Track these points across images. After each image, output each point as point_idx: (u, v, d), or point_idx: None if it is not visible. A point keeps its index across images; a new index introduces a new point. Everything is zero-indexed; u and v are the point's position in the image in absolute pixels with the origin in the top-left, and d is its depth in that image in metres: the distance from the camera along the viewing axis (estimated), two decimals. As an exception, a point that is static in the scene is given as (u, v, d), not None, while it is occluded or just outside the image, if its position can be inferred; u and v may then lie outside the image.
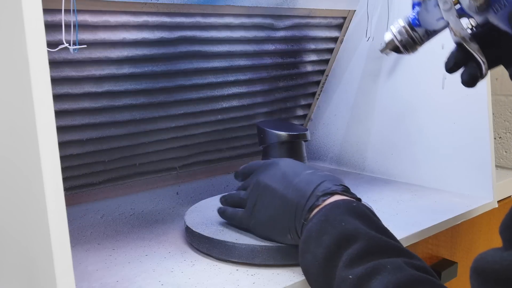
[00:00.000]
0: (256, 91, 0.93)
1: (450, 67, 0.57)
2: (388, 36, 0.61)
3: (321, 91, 1.07)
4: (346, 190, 0.57)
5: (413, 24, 0.59)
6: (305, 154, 0.84)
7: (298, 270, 0.58)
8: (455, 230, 0.84)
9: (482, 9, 0.53)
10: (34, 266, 0.43)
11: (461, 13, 0.55)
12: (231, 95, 0.89)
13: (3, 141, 0.45)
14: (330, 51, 1.02)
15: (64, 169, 0.74)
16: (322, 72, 1.04)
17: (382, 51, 0.62)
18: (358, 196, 0.58)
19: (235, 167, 1.00)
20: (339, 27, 1.00)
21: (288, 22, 0.89)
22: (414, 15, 0.59)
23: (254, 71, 0.91)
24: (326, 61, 1.03)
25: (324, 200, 0.55)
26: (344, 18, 0.98)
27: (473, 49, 0.55)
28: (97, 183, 0.81)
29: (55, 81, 0.67)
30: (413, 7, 0.60)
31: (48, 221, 0.39)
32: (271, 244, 0.60)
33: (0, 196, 0.47)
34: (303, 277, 0.56)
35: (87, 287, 0.55)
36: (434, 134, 0.90)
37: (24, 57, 0.38)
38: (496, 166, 1.11)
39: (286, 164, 0.63)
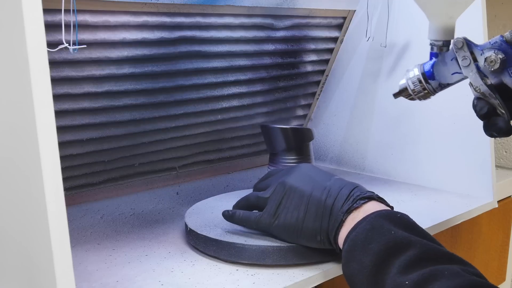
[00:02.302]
0: (256, 91, 0.93)
1: (484, 114, 0.58)
2: (402, 83, 0.62)
3: (321, 91, 1.07)
4: (380, 197, 0.58)
5: (427, 76, 0.60)
6: (312, 154, 0.84)
7: (299, 270, 0.58)
8: (455, 230, 0.84)
9: (496, 72, 0.55)
10: (34, 266, 0.43)
11: (478, 71, 0.57)
12: (231, 95, 0.89)
13: (3, 141, 0.45)
14: (330, 51, 1.02)
15: (64, 169, 0.74)
16: (322, 72, 1.04)
17: (395, 96, 0.64)
18: None
19: (235, 167, 1.00)
20: (339, 27, 1.00)
21: (288, 22, 0.89)
22: (429, 67, 0.60)
23: (254, 71, 0.91)
24: (326, 61, 1.03)
25: (362, 204, 0.55)
26: (344, 18, 0.98)
27: (495, 103, 0.56)
28: (97, 183, 0.81)
29: (55, 81, 0.67)
30: (430, 58, 0.61)
31: (48, 221, 0.39)
32: (282, 244, 0.59)
33: (0, 196, 0.47)
34: (303, 277, 0.57)
35: (87, 287, 0.55)
36: (434, 134, 0.90)
37: (24, 57, 0.38)
38: (496, 166, 1.12)
39: (311, 168, 0.62)
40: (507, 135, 0.58)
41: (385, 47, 0.95)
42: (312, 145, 0.83)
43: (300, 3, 0.87)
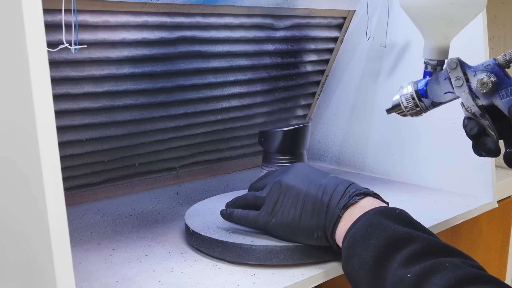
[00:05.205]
0: (256, 91, 0.93)
1: (474, 134, 0.59)
2: (396, 99, 0.64)
3: (321, 91, 1.07)
4: (375, 194, 0.58)
5: (420, 94, 0.62)
6: (305, 156, 0.84)
7: (299, 270, 0.58)
8: (455, 230, 0.84)
9: (488, 94, 0.57)
10: (34, 266, 0.43)
11: (470, 91, 0.58)
12: (231, 95, 0.89)
13: (3, 141, 0.45)
14: (330, 51, 1.02)
15: (64, 169, 0.74)
16: (322, 72, 1.04)
17: (388, 112, 0.65)
18: None
19: (235, 167, 1.00)
20: (339, 27, 1.00)
21: (288, 22, 0.89)
22: (423, 85, 0.62)
23: (254, 71, 0.91)
24: (326, 61, 1.03)
25: (358, 200, 0.55)
26: (344, 18, 0.98)
27: (485, 124, 0.58)
28: (97, 183, 0.81)
29: (55, 81, 0.67)
30: (424, 76, 0.63)
31: (48, 221, 0.39)
32: (289, 244, 0.59)
33: (0, 196, 0.47)
34: (303, 277, 0.57)
35: (87, 287, 0.55)
36: (434, 133, 0.90)
37: (24, 57, 0.38)
38: (496, 166, 1.11)
39: (306, 167, 0.63)
40: (496, 155, 0.59)
41: (385, 47, 0.95)
42: (306, 144, 0.83)
43: (300, 3, 0.87)
